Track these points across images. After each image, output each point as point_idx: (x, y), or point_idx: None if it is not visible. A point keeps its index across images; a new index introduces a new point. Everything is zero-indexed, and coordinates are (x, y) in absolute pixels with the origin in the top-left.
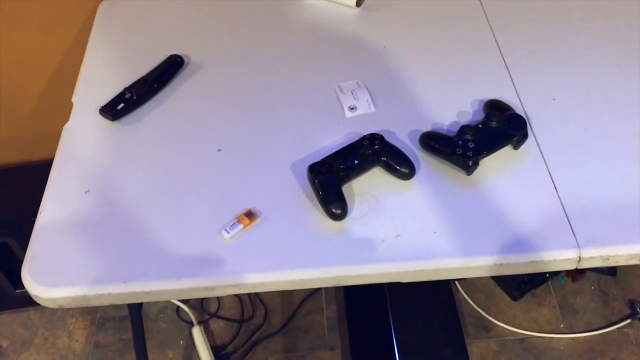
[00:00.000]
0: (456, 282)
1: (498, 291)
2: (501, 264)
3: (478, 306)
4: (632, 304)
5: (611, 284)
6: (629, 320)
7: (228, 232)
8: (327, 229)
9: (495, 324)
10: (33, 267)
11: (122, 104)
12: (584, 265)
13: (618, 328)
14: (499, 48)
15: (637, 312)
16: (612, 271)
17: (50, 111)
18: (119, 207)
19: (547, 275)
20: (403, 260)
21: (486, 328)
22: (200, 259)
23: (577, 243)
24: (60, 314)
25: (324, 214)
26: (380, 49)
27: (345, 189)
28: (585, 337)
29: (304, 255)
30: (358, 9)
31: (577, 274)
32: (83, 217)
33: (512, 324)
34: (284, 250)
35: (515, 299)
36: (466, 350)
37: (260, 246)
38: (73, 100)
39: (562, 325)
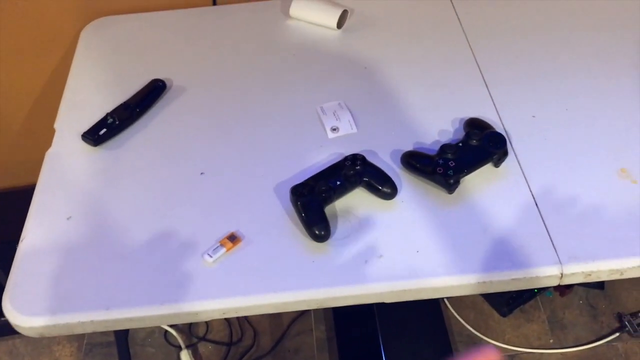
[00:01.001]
0: (445, 300)
1: (487, 307)
2: (484, 282)
3: (467, 323)
4: (620, 317)
5: (599, 298)
6: (617, 334)
7: (211, 256)
8: (310, 250)
9: (485, 341)
10: (14, 295)
11: (104, 129)
12: (567, 281)
13: (607, 342)
14: (478, 66)
15: (626, 325)
16: (600, 285)
17: (34, 137)
18: (101, 232)
19: (536, 290)
20: (387, 280)
21: (476, 345)
22: (183, 283)
23: (559, 259)
24: (46, 342)
25: (307, 235)
26: (361, 69)
27: (328, 210)
28: (574, 351)
29: (288, 277)
30: (339, 31)
31: (565, 289)
32: (65, 244)
33: (501, 341)
34: (267, 273)
35: (504, 315)
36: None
37: (244, 270)
38: (55, 126)
39: (551, 341)
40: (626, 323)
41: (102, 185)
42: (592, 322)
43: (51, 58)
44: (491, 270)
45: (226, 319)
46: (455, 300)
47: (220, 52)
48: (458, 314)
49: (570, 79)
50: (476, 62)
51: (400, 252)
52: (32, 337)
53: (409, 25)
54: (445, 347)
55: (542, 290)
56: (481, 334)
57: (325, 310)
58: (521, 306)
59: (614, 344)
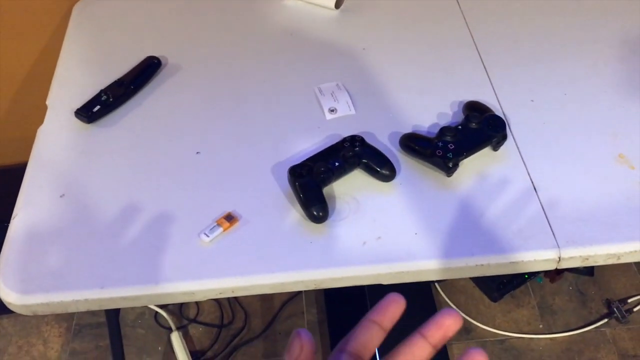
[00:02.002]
0: (436, 284)
1: (477, 292)
2: (482, 265)
3: (458, 308)
4: (609, 303)
5: (589, 284)
6: (606, 320)
7: (207, 236)
8: (308, 231)
9: (475, 326)
10: (6, 273)
11: (98, 107)
12: (564, 265)
13: (595, 327)
14: (477, 49)
15: (614, 312)
16: (589, 271)
17: (24, 114)
18: (95, 211)
19: (526, 276)
20: (384, 262)
21: (466, 329)
22: (179, 263)
23: (557, 243)
24: (35, 322)
25: (305, 216)
26: (359, 50)
27: (326, 191)
28: (563, 337)
29: (285, 258)
30: (337, 11)
31: (555, 275)
32: (58, 222)
33: (491, 325)
34: (264, 253)
35: (494, 300)
36: (447, 352)
37: (241, 250)
38: (47, 102)
39: (541, 326)
40: (614, 309)
41: (96, 163)
42: (581, 308)
43: (43, 35)
44: (489, 253)
45: (217, 302)
46: (446, 285)
47: (217, 31)
48: (449, 299)
49: (569, 64)
50: (475, 45)
51: (398, 234)
52: (20, 317)
53: (408, 6)
54: None
55: (532, 276)
56: (471, 318)
57: (317, 293)
58: (512, 291)
59: (602, 329)
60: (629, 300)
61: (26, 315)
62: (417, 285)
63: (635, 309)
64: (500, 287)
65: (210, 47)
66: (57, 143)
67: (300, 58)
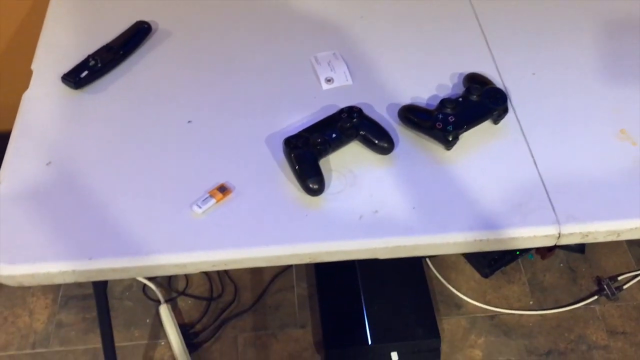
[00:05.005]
0: (427, 259)
1: (468, 268)
2: (480, 240)
3: (448, 283)
4: (599, 280)
5: (579, 262)
6: (595, 297)
7: (200, 207)
8: (304, 204)
9: (466, 301)
10: None
11: (85, 72)
12: (564, 241)
13: (585, 304)
14: (478, 21)
15: (604, 289)
16: (580, 249)
17: (8, 80)
18: (83, 179)
19: (517, 252)
20: (381, 236)
21: (457, 305)
22: (171, 234)
23: (557, 219)
24: (21, 293)
25: (300, 188)
26: (358, 18)
27: (322, 163)
28: (553, 313)
29: (280, 231)
30: None
31: (546, 252)
32: (45, 190)
33: (482, 301)
34: (258, 225)
35: (485, 276)
36: (437, 326)
37: (234, 222)
38: (33, 67)
39: (531, 302)
40: (605, 286)
41: (84, 130)
42: (572, 285)
43: None
44: (488, 228)
45: (207, 275)
46: (437, 260)
47: None
48: (440, 274)
49: (572, 38)
50: (476, 16)
51: (395, 208)
52: (5, 288)
53: None
54: (427, 306)
55: (523, 252)
56: (462, 294)
57: (307, 267)
58: (503, 268)
59: (592, 306)
60: (619, 278)
61: (11, 287)
62: (409, 261)
63: (624, 287)
64: (492, 263)
65: (202, 12)
66: (43, 109)
67: (296, 26)
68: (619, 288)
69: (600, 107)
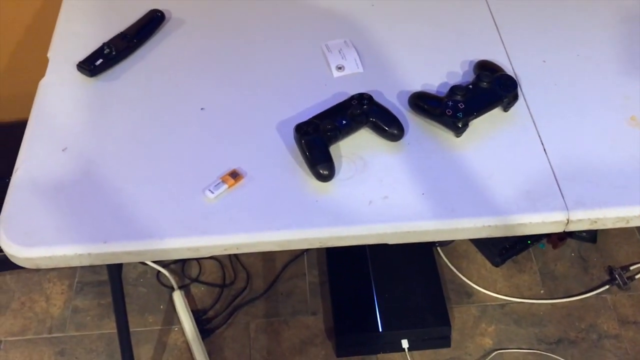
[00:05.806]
0: (438, 248)
1: (479, 257)
2: (490, 226)
3: (459, 272)
4: (610, 270)
5: (591, 251)
6: (607, 287)
7: (212, 192)
8: (314, 190)
9: (477, 290)
10: (9, 226)
11: (100, 60)
12: (572, 227)
13: (596, 294)
14: (489, 8)
15: (615, 279)
16: (592, 238)
17: (25, 68)
18: (98, 165)
19: (529, 241)
20: (391, 221)
21: (467, 293)
22: (184, 219)
23: (566, 205)
24: (37, 278)
25: (311, 174)
26: (368, 6)
27: (332, 149)
28: (564, 302)
29: (290, 216)
30: None
31: (558, 241)
32: (61, 176)
33: (493, 290)
34: (269, 210)
35: (496, 265)
36: (447, 314)
37: (246, 207)
38: (49, 55)
39: (542, 291)
40: (616, 276)
41: (99, 117)
42: (583, 275)
43: None
44: (497, 214)
45: (219, 261)
46: (448, 249)
47: None
48: (450, 263)
49: (582, 25)
50: (487, 3)
51: (405, 194)
52: (22, 274)
53: None
54: (438, 293)
55: (535, 241)
56: (473, 282)
57: (319, 254)
58: (514, 257)
59: (603, 296)
60: (631, 268)
61: (29, 272)
62: (420, 249)
63: (636, 276)
64: (503, 252)
65: (215, 1)
66: (59, 96)
67: (308, 14)
68: (631, 278)
69: (610, 94)
